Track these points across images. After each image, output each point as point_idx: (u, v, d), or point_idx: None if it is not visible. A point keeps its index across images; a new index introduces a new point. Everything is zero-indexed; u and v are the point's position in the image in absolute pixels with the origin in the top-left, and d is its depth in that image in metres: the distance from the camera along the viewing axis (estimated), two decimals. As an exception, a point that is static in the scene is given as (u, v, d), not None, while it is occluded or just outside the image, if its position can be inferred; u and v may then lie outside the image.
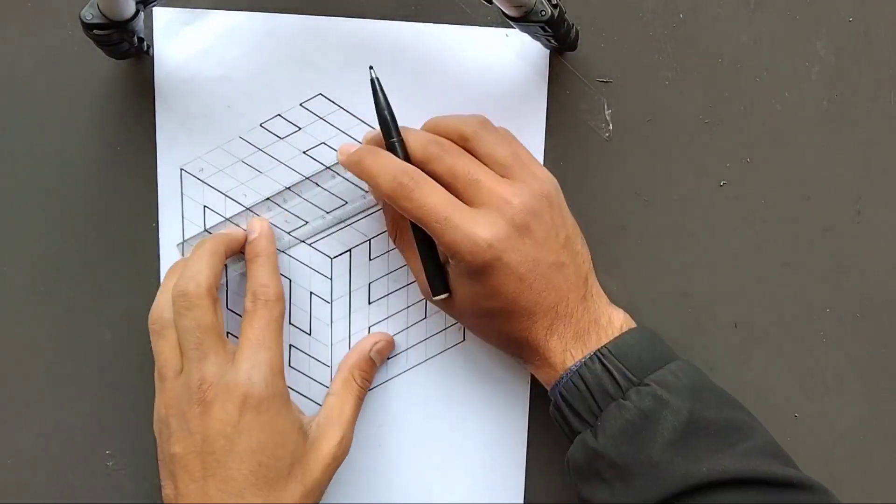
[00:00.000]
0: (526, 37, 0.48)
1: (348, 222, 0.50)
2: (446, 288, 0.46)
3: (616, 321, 0.46)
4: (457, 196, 0.44)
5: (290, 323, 0.51)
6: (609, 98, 0.50)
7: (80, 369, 0.51)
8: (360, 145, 0.47)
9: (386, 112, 0.46)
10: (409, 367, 0.51)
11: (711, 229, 0.51)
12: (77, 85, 0.50)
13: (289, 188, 0.50)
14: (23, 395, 0.51)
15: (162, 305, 0.46)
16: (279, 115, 0.50)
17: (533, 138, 0.50)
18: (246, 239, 0.48)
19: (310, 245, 0.51)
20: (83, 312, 0.51)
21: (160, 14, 0.49)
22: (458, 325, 0.51)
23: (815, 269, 0.51)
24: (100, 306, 0.51)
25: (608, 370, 0.44)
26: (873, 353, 0.51)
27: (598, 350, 0.45)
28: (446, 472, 0.51)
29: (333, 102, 0.50)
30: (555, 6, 0.44)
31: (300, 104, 0.50)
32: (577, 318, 0.45)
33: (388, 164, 0.44)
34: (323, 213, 0.50)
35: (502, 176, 0.45)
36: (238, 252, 0.49)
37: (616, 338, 0.45)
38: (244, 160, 0.50)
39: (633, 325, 0.47)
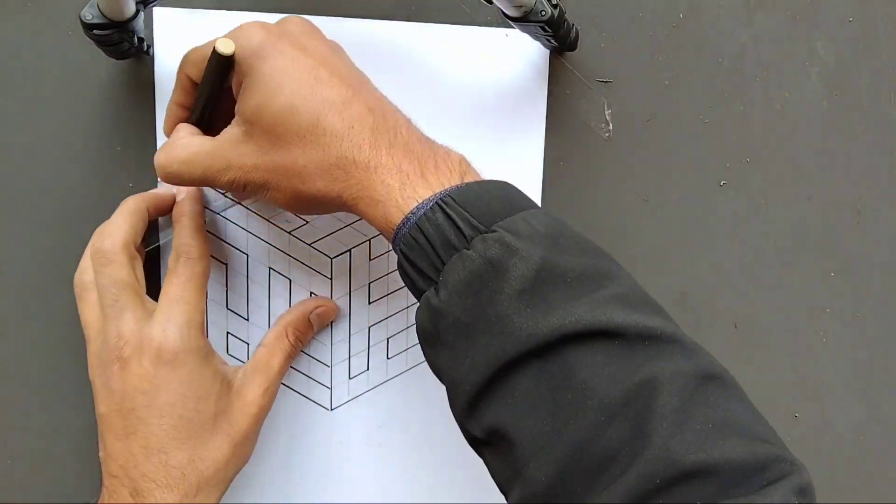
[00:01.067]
0: (526, 37, 0.48)
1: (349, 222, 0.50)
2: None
3: (454, 156, 0.41)
4: None
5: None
6: (609, 98, 0.50)
7: (80, 369, 0.51)
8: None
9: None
10: (409, 367, 0.51)
11: (711, 229, 0.51)
12: (77, 85, 0.50)
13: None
14: (23, 395, 0.51)
15: (83, 267, 0.45)
16: (279, 115, 0.50)
17: (533, 138, 0.50)
18: (172, 197, 0.47)
19: (310, 245, 0.51)
20: (83, 312, 0.51)
21: (160, 14, 0.49)
22: None
23: (815, 269, 0.51)
24: (100, 306, 0.51)
25: (451, 219, 0.38)
26: (873, 353, 0.51)
27: (441, 198, 0.38)
28: (446, 471, 0.51)
29: (333, 102, 0.50)
30: (555, 6, 0.44)
31: (300, 104, 0.50)
32: (405, 137, 0.41)
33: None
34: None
35: None
36: (166, 212, 0.48)
37: (461, 184, 0.39)
38: (244, 160, 0.50)
39: (474, 171, 0.41)
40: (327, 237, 0.51)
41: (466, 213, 0.38)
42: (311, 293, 0.51)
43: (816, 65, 0.50)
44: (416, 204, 0.39)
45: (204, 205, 0.48)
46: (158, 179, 0.46)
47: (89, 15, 0.42)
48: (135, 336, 0.43)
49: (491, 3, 0.43)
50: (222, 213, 0.50)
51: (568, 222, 0.40)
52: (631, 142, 0.50)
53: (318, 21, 0.49)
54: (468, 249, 0.37)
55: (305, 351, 0.51)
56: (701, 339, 0.51)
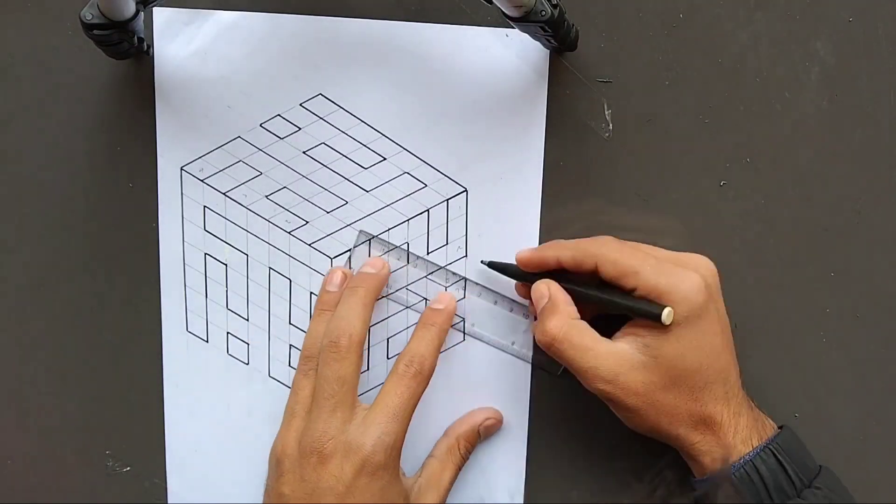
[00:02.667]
0: (526, 37, 0.48)
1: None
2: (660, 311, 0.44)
3: (765, 418, 0.47)
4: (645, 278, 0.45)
5: (290, 323, 0.51)
6: (609, 98, 0.50)
7: (81, 369, 0.51)
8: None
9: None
10: (409, 367, 0.51)
11: (711, 229, 0.51)
12: (77, 85, 0.50)
13: (288, 187, 0.50)
14: (23, 395, 0.51)
15: (313, 344, 0.47)
16: (279, 115, 0.50)
17: (533, 138, 0.50)
18: (388, 274, 0.50)
19: (310, 245, 0.51)
20: (83, 312, 0.51)
21: (160, 14, 0.49)
22: (458, 324, 0.51)
23: (815, 269, 0.51)
24: (100, 306, 0.51)
25: (783, 466, 0.44)
26: (873, 353, 0.51)
27: (770, 443, 0.44)
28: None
29: (333, 102, 0.50)
30: (555, 6, 0.44)
31: (300, 104, 0.50)
32: (744, 401, 0.46)
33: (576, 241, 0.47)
34: (323, 212, 0.50)
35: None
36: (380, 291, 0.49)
37: (778, 433, 0.45)
38: (244, 160, 0.50)
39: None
40: (327, 237, 0.51)
41: (792, 463, 0.44)
42: (312, 293, 0.51)
43: (816, 65, 0.50)
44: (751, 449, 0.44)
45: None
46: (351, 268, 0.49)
47: (89, 15, 0.42)
48: (341, 436, 0.44)
49: (491, 3, 0.43)
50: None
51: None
52: (631, 142, 0.50)
53: (319, 21, 0.49)
54: (800, 499, 0.43)
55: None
56: (701, 339, 0.51)
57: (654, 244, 0.49)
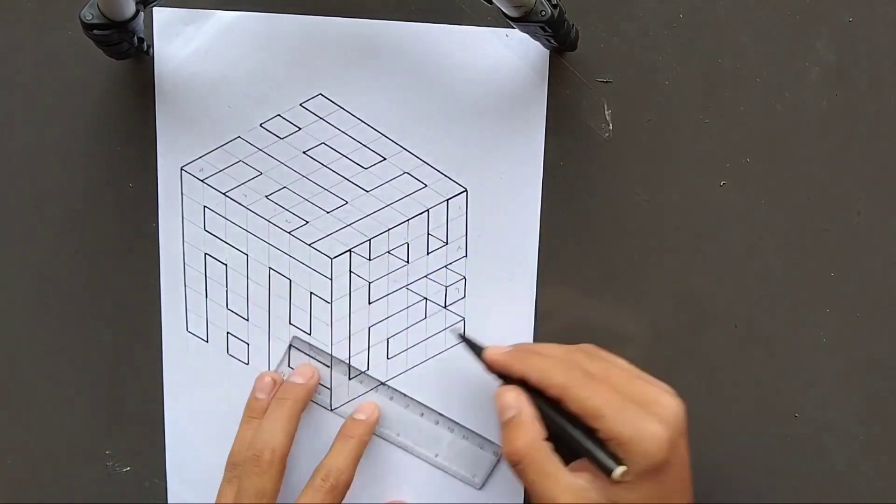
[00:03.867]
0: (526, 37, 0.48)
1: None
2: (619, 459, 0.42)
3: None
4: (606, 411, 0.42)
5: (290, 323, 0.51)
6: (609, 98, 0.50)
7: (80, 369, 0.51)
8: (506, 350, 0.47)
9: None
10: (409, 367, 0.51)
11: (711, 229, 0.51)
12: (77, 85, 0.50)
13: (288, 187, 0.50)
14: (23, 395, 0.51)
15: (239, 451, 0.48)
16: (279, 115, 0.50)
17: (533, 138, 0.50)
18: (317, 384, 0.50)
19: (310, 245, 0.51)
20: (83, 312, 0.51)
21: (160, 14, 0.49)
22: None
23: (815, 269, 0.51)
24: (100, 306, 0.51)
25: None
26: (873, 353, 0.51)
27: None
28: (446, 472, 0.51)
29: (333, 102, 0.50)
30: (555, 6, 0.44)
31: (300, 104, 0.50)
32: None
33: (552, 354, 0.45)
34: (323, 212, 0.50)
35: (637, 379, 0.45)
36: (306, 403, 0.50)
37: None
38: (244, 160, 0.50)
39: None
40: (327, 237, 0.51)
41: None
42: (312, 293, 0.51)
43: (816, 65, 0.50)
44: None
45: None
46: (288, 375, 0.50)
47: (89, 15, 0.42)
48: None
49: (491, 3, 0.43)
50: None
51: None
52: (631, 142, 0.50)
53: (319, 21, 0.49)
54: None
55: (306, 351, 0.51)
56: (701, 339, 0.51)
57: (654, 243, 0.49)
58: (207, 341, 0.51)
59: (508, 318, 0.51)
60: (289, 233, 0.50)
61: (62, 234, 0.50)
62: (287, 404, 0.48)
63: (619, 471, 0.41)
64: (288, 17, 0.49)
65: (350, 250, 0.51)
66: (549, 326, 0.50)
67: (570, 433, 0.44)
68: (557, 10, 0.44)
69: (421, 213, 0.51)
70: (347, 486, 0.48)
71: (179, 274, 0.50)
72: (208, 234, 0.50)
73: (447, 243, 0.51)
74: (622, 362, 0.46)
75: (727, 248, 0.51)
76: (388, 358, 0.51)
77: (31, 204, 0.50)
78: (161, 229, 0.50)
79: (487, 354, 0.47)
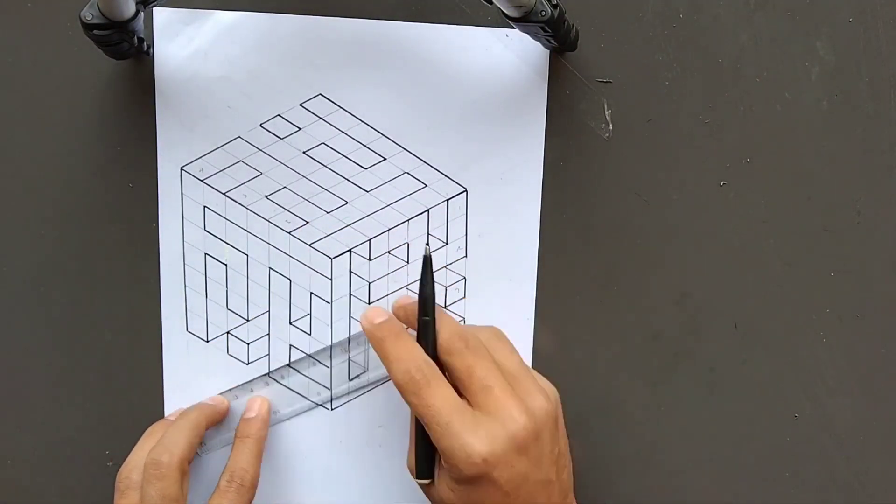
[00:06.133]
0: (526, 37, 0.48)
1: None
2: (430, 474, 0.46)
3: None
4: (466, 395, 0.44)
5: (290, 323, 0.51)
6: (609, 98, 0.50)
7: (80, 369, 0.51)
8: (386, 315, 0.46)
9: (428, 290, 0.46)
10: (409, 367, 0.51)
11: (711, 229, 0.51)
12: (77, 85, 0.50)
13: (288, 188, 0.50)
14: (23, 396, 0.51)
15: (132, 465, 0.47)
16: (279, 115, 0.50)
17: (533, 138, 0.50)
18: (226, 410, 0.50)
19: (310, 245, 0.51)
20: (83, 312, 0.51)
21: (160, 14, 0.49)
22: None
23: (815, 269, 0.51)
24: (100, 306, 0.51)
25: None
26: (873, 353, 0.51)
27: None
28: None
29: (333, 102, 0.50)
30: (555, 6, 0.44)
31: (300, 104, 0.50)
32: None
33: (406, 354, 0.44)
34: (323, 212, 0.50)
35: (511, 385, 0.44)
36: (219, 423, 0.50)
37: None
38: (244, 160, 0.50)
39: None
40: (327, 237, 0.51)
41: None
42: (312, 293, 0.51)
43: (816, 65, 0.50)
44: None
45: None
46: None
47: (89, 15, 0.42)
48: None
49: (491, 3, 0.43)
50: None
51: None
52: (631, 142, 0.50)
53: (319, 21, 0.49)
54: None
55: (305, 351, 0.51)
56: (701, 339, 0.51)
57: (654, 243, 0.49)
58: (207, 341, 0.51)
59: (508, 319, 0.51)
60: (289, 233, 0.50)
61: (62, 234, 0.50)
62: (190, 415, 0.48)
63: (417, 480, 0.45)
64: (288, 17, 0.49)
65: (350, 250, 0.51)
66: (549, 326, 0.50)
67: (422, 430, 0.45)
68: (557, 10, 0.44)
69: (421, 213, 0.51)
70: (254, 483, 0.48)
71: (179, 274, 0.50)
72: (208, 234, 0.50)
73: (447, 244, 0.51)
74: (504, 355, 0.46)
75: (727, 248, 0.51)
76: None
77: (31, 204, 0.50)
78: (161, 229, 0.50)
79: (397, 301, 0.47)
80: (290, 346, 0.51)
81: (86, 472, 0.51)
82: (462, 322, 0.51)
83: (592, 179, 0.50)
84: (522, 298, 0.50)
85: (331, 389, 0.51)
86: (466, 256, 0.51)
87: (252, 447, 0.48)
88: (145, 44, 0.48)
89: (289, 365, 0.51)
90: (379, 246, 0.51)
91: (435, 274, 0.50)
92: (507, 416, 0.43)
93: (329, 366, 0.51)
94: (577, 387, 0.50)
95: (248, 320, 0.51)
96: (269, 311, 0.51)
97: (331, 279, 0.51)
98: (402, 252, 0.51)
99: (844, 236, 0.51)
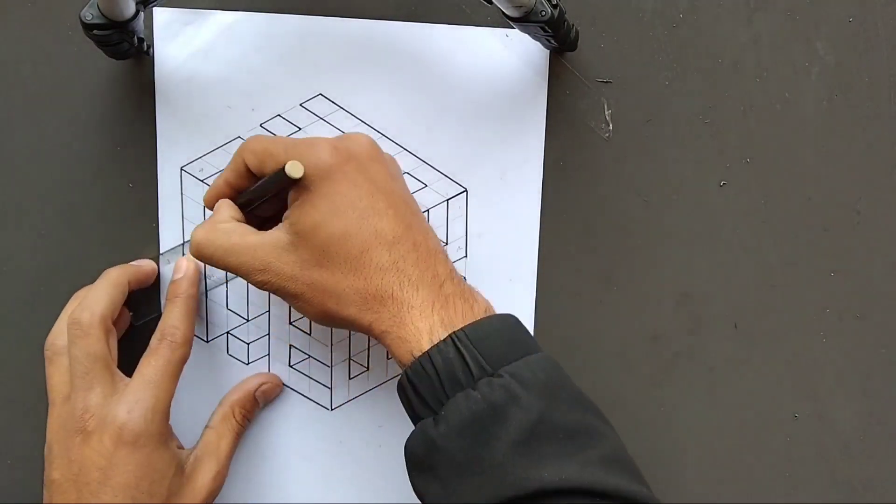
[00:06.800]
0: (526, 37, 0.48)
1: None
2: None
3: (480, 301, 0.43)
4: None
5: (290, 323, 0.51)
6: (609, 98, 0.50)
7: (80, 369, 0.51)
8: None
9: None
10: (409, 367, 0.51)
11: (711, 229, 0.51)
12: (77, 85, 0.50)
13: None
14: (23, 395, 0.51)
15: (56, 332, 0.46)
16: (279, 115, 0.50)
17: (533, 138, 0.50)
18: (152, 271, 0.49)
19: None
20: (83, 312, 0.51)
21: (160, 14, 0.49)
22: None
23: (815, 269, 0.51)
24: (100, 306, 0.51)
25: (462, 356, 0.40)
26: (873, 353, 0.51)
27: (455, 332, 0.40)
28: None
29: (333, 102, 0.50)
30: (555, 6, 0.44)
31: (300, 104, 0.50)
32: (441, 279, 0.42)
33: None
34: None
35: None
36: (145, 284, 0.49)
37: (476, 321, 0.41)
38: (244, 160, 0.50)
39: (493, 311, 0.43)
40: (327, 237, 0.50)
41: (476, 352, 0.40)
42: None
43: (816, 65, 0.50)
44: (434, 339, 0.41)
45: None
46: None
47: (89, 15, 0.42)
48: (101, 411, 0.44)
49: (491, 3, 0.43)
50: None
51: (565, 372, 0.42)
52: (631, 142, 0.50)
53: (319, 21, 0.49)
54: (474, 390, 0.39)
55: (305, 351, 0.51)
56: (701, 339, 0.51)
57: (654, 243, 0.49)
58: (207, 341, 0.51)
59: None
60: (289, 233, 0.50)
61: (62, 234, 0.50)
62: (110, 273, 0.47)
63: (290, 164, 0.41)
64: (288, 17, 0.49)
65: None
66: (549, 326, 0.50)
67: (253, 187, 0.44)
68: (557, 10, 0.44)
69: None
70: (187, 341, 0.46)
71: (179, 274, 0.50)
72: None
73: (447, 243, 0.51)
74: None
75: (727, 248, 0.51)
76: (387, 358, 0.51)
77: (31, 204, 0.50)
78: (161, 229, 0.50)
79: (206, 197, 0.47)
80: (290, 346, 0.51)
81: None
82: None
83: (592, 179, 0.50)
84: (522, 298, 0.50)
85: (331, 389, 0.51)
86: (466, 256, 0.51)
87: (181, 305, 0.47)
88: (145, 44, 0.48)
89: (289, 365, 0.51)
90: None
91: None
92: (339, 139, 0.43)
93: (329, 365, 0.51)
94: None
95: (248, 320, 0.51)
96: (269, 311, 0.51)
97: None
98: (402, 252, 0.51)
99: (844, 236, 0.51)
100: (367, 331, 0.42)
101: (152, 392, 0.44)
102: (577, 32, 0.48)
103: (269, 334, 0.51)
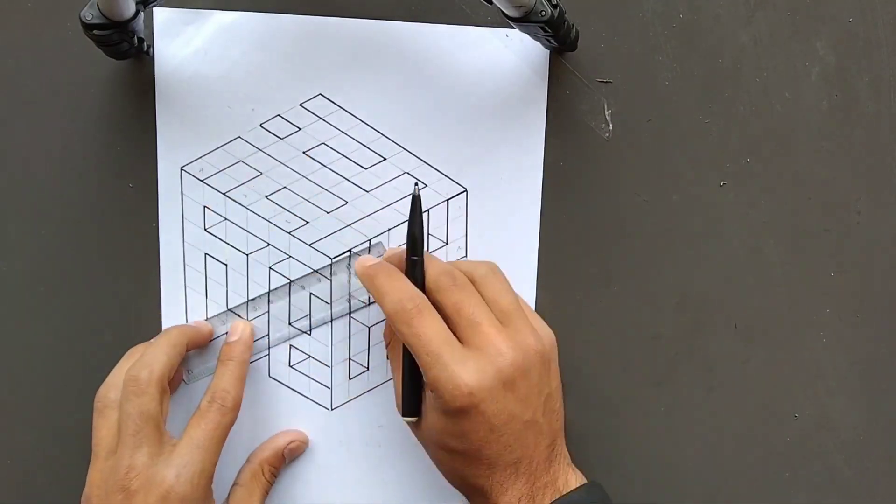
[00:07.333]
0: (526, 37, 0.48)
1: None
2: (417, 412, 0.46)
3: (572, 482, 0.45)
4: (455, 332, 0.44)
5: (289, 323, 0.51)
6: (609, 98, 0.50)
7: (81, 369, 0.51)
8: (378, 259, 0.47)
9: (417, 230, 0.46)
10: (409, 367, 0.51)
11: (711, 229, 0.51)
12: (77, 85, 0.50)
13: (288, 188, 0.50)
14: (23, 395, 0.51)
15: (110, 384, 0.46)
16: (279, 115, 0.50)
17: (533, 138, 0.50)
18: (209, 333, 0.50)
19: (310, 245, 0.51)
20: (83, 312, 0.51)
21: (160, 14, 0.49)
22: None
23: (815, 269, 0.51)
24: (100, 306, 0.51)
25: None
26: (873, 353, 0.51)
27: None
28: None
29: (333, 102, 0.50)
30: (555, 6, 0.44)
31: (300, 104, 0.50)
32: (537, 478, 0.44)
33: (397, 287, 0.45)
34: (323, 212, 0.50)
35: (503, 323, 0.45)
36: (201, 346, 0.50)
37: (562, 496, 0.44)
38: (244, 160, 0.50)
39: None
40: (327, 237, 0.51)
41: None
42: (311, 294, 0.51)
43: (816, 65, 0.50)
44: None
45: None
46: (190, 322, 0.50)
47: (89, 15, 0.42)
48: (147, 471, 0.44)
49: (491, 3, 0.43)
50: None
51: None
52: (631, 142, 0.50)
53: (319, 21, 0.49)
54: None
55: (305, 351, 0.51)
56: (701, 339, 0.51)
57: (654, 243, 0.49)
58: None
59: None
60: (289, 233, 0.50)
61: (62, 233, 0.50)
62: (170, 333, 0.48)
63: (407, 420, 0.46)
64: (288, 17, 0.49)
65: (350, 250, 0.51)
66: (549, 326, 0.50)
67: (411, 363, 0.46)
68: (557, 10, 0.44)
69: (421, 213, 0.51)
70: (236, 405, 0.47)
71: (179, 274, 0.50)
72: (208, 234, 0.50)
73: (447, 243, 0.51)
74: (497, 291, 0.46)
75: (727, 248, 0.51)
76: (387, 358, 0.51)
77: (31, 204, 0.50)
78: (161, 229, 0.50)
79: (388, 251, 0.48)
80: (290, 346, 0.51)
81: (86, 472, 0.51)
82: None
83: (592, 179, 0.50)
84: (522, 298, 0.50)
85: (331, 389, 0.51)
86: (466, 256, 0.51)
87: (234, 369, 0.48)
88: (145, 44, 0.48)
89: (289, 365, 0.51)
90: (379, 246, 0.51)
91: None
92: (494, 351, 0.43)
93: (329, 365, 0.51)
94: (577, 387, 0.50)
95: (248, 320, 0.51)
96: (268, 311, 0.51)
97: (330, 279, 0.51)
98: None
99: (844, 236, 0.51)
100: (476, 493, 0.45)
101: (200, 456, 0.44)
102: (577, 32, 0.48)
103: (268, 334, 0.51)
